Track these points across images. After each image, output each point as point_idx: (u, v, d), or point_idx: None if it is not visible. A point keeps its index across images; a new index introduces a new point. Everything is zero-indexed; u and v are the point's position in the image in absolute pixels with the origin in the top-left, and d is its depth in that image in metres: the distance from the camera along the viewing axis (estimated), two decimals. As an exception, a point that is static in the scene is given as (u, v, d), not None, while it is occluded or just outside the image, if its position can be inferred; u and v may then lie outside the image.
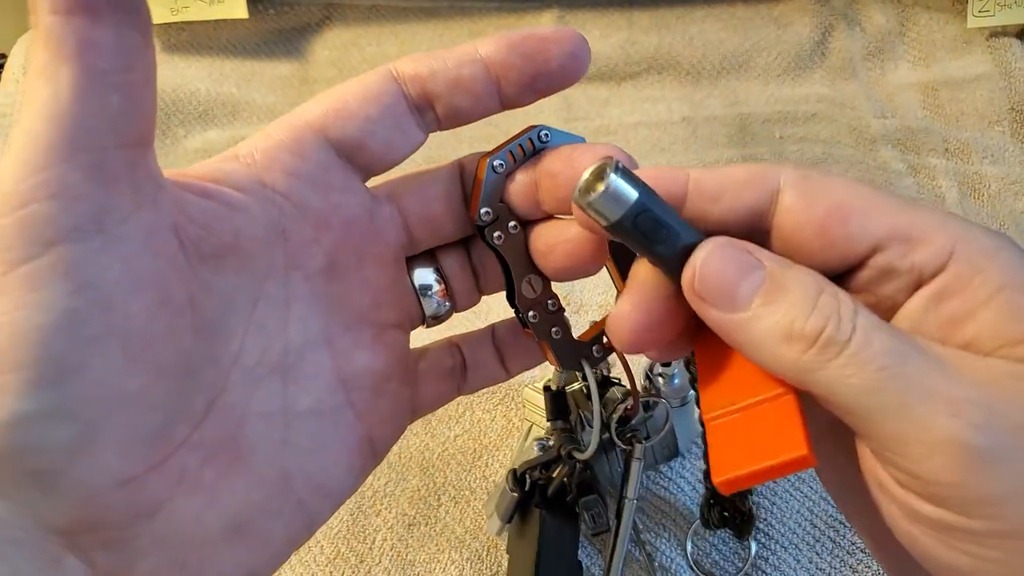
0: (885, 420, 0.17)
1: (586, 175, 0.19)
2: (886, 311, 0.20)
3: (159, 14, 0.64)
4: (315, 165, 0.22)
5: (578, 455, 0.27)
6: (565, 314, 0.25)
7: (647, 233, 0.19)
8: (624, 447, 0.33)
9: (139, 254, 0.18)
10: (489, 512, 0.39)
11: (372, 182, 0.24)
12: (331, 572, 0.41)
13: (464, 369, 0.26)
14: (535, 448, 0.36)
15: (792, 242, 0.20)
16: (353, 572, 0.41)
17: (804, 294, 0.18)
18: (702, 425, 0.28)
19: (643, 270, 0.21)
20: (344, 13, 0.71)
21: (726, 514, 0.37)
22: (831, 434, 0.21)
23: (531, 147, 0.23)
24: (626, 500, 0.34)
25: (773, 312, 0.18)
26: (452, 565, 0.40)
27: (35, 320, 0.16)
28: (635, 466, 0.34)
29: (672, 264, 0.20)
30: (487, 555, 0.41)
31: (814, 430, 0.19)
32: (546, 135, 0.23)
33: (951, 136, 0.63)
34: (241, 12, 0.65)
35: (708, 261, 0.19)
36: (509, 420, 0.46)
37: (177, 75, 0.67)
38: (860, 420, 0.18)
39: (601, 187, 0.19)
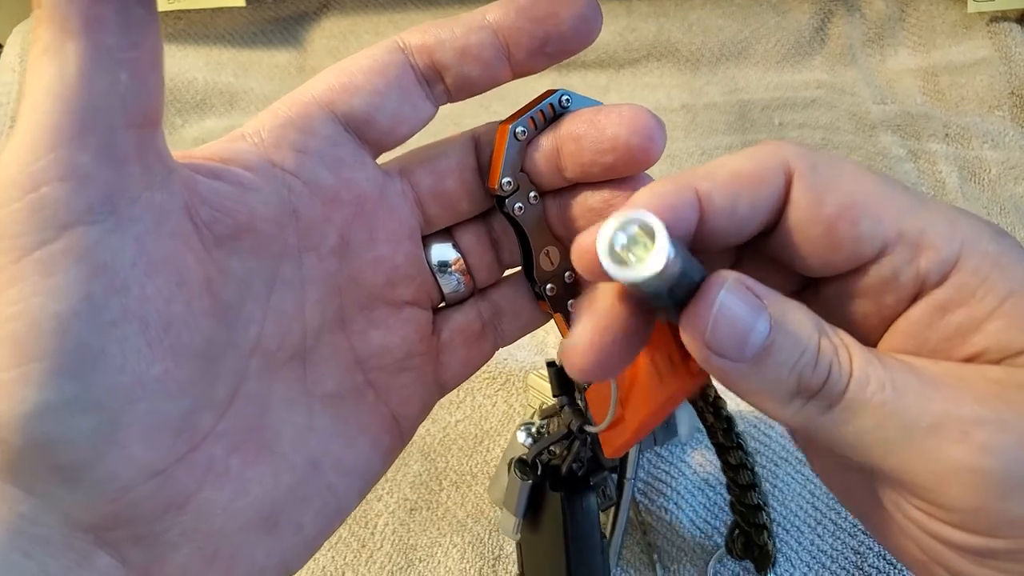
0: (892, 456, 0.17)
1: (617, 239, 0.16)
2: (885, 318, 0.19)
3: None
4: (323, 141, 0.21)
5: (589, 428, 0.27)
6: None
7: (671, 289, 0.17)
8: None
9: (152, 235, 0.18)
10: (498, 507, 0.38)
11: (383, 159, 0.23)
12: (333, 557, 0.41)
13: (495, 324, 0.25)
14: (520, 434, 0.36)
15: (798, 239, 0.18)
16: (355, 556, 0.41)
17: (808, 340, 0.17)
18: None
19: (605, 296, 0.18)
20: (342, 2, 0.70)
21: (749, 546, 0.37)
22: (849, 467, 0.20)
23: (552, 112, 0.22)
24: (626, 480, 0.34)
25: (780, 363, 0.17)
26: (454, 548, 0.40)
27: (53, 307, 0.16)
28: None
29: (674, 305, 0.18)
30: (489, 539, 0.41)
31: (834, 463, 0.20)
32: (567, 99, 0.22)
33: (951, 121, 0.63)
34: (238, 0, 0.65)
35: (723, 309, 0.17)
36: (510, 405, 0.46)
37: (174, 64, 0.66)
38: (869, 459, 0.17)
39: (650, 264, 0.16)
